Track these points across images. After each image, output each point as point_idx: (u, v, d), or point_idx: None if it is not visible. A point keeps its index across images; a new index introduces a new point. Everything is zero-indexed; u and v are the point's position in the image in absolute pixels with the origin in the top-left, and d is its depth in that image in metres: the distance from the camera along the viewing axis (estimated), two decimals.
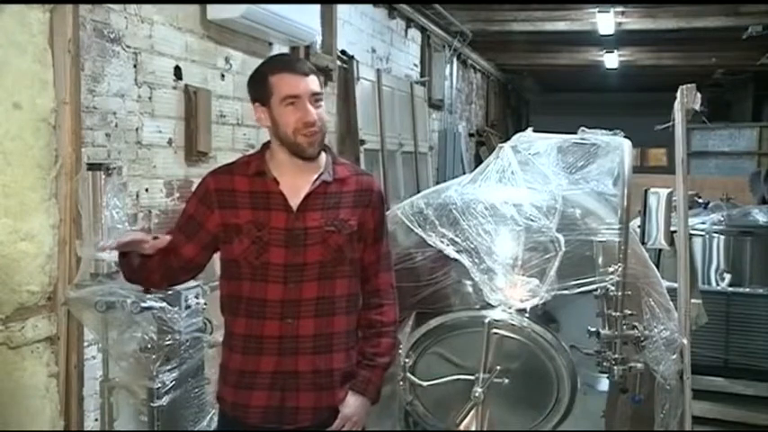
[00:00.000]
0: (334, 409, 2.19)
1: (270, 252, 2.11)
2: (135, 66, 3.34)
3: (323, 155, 2.20)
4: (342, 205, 2.17)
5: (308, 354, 2.13)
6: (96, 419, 3.01)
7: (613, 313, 2.55)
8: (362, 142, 6.02)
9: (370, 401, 2.26)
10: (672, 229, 2.74)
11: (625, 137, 3.01)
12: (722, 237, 5.10)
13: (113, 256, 2.82)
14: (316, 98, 2.11)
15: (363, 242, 2.22)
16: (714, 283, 5.06)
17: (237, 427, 2.20)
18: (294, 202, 2.13)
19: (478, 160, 9.87)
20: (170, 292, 2.81)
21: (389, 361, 2.32)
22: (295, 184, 2.14)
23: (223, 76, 4.05)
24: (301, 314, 2.12)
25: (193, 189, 3.74)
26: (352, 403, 2.21)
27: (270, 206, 2.13)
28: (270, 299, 2.11)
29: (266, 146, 2.22)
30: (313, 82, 2.11)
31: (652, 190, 2.70)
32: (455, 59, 9.70)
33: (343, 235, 2.15)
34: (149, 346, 2.78)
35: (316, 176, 2.16)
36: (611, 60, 11.66)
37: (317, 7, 4.66)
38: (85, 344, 2.98)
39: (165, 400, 2.82)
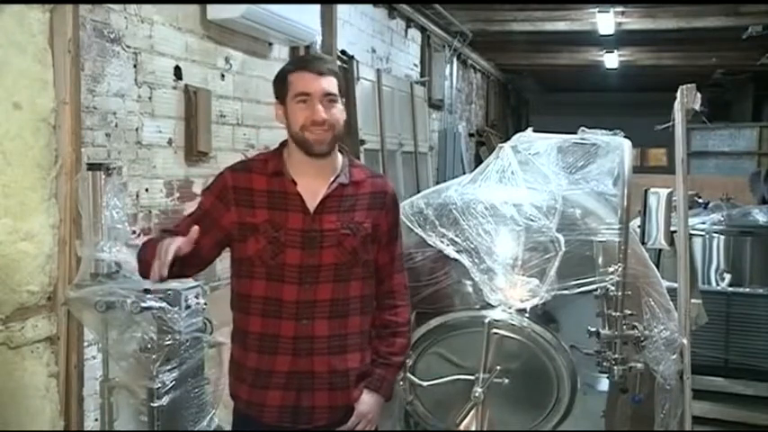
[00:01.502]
0: (349, 408, 2.20)
1: (286, 253, 2.11)
2: (135, 66, 3.34)
3: (339, 157, 2.21)
4: (357, 208, 2.18)
5: (323, 354, 2.14)
6: (96, 419, 3.01)
7: (613, 313, 2.54)
8: (362, 142, 6.03)
9: (385, 399, 2.29)
10: (672, 229, 2.74)
11: (625, 137, 3.00)
12: (722, 237, 5.10)
13: (113, 255, 2.84)
14: (329, 98, 2.11)
15: (377, 244, 2.23)
16: (714, 283, 5.05)
17: (252, 426, 2.20)
18: (311, 204, 2.13)
19: (478, 160, 9.86)
20: (170, 293, 2.81)
21: (404, 360, 2.36)
22: (312, 185, 2.15)
23: (223, 76, 4.05)
24: (316, 315, 2.13)
25: (194, 188, 3.78)
26: (367, 401, 2.22)
27: (287, 207, 2.13)
28: (285, 299, 2.12)
29: (284, 144, 2.22)
30: (328, 82, 2.12)
31: (652, 190, 2.70)
32: (455, 59, 9.70)
33: (358, 237, 2.16)
34: (149, 346, 2.78)
35: (332, 179, 2.16)
36: (611, 60, 11.65)
37: (316, 7, 4.66)
38: (85, 344, 2.98)
39: (165, 400, 2.82)
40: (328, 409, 2.16)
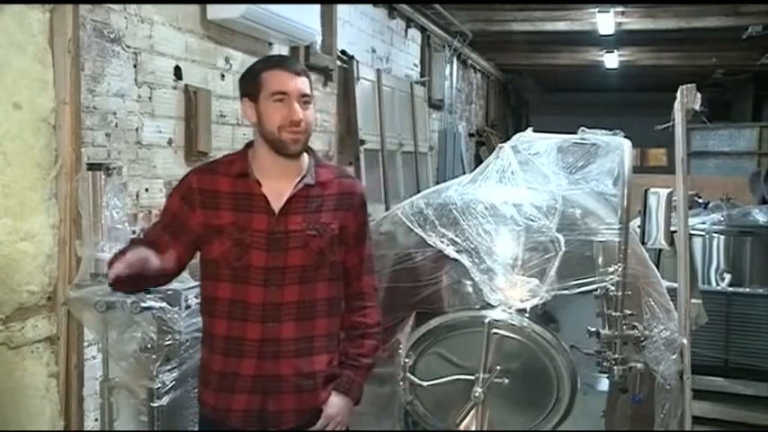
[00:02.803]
0: (317, 411, 2.19)
1: (251, 255, 2.10)
2: (135, 66, 3.34)
3: (305, 157, 2.20)
4: (323, 209, 2.17)
5: (290, 357, 2.12)
6: (96, 419, 3.01)
7: (613, 313, 2.54)
8: (362, 142, 6.02)
9: (354, 402, 2.27)
10: (672, 229, 2.74)
11: (625, 137, 3.00)
12: (722, 237, 5.10)
13: None
14: (304, 99, 2.11)
15: (345, 245, 2.21)
16: (714, 283, 5.05)
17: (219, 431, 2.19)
18: (276, 205, 2.12)
19: (478, 160, 9.86)
20: (170, 293, 2.81)
21: (373, 362, 2.33)
22: (277, 186, 2.13)
23: (223, 76, 4.05)
24: (282, 317, 2.11)
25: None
26: (335, 403, 2.21)
27: (252, 208, 2.12)
28: (251, 302, 2.11)
29: (249, 146, 2.22)
30: (304, 83, 2.11)
31: (652, 190, 2.70)
32: (455, 59, 9.70)
33: (325, 239, 2.14)
34: (149, 346, 2.77)
35: (298, 179, 2.15)
36: (611, 60, 11.65)
37: (316, 7, 4.66)
38: (85, 344, 2.98)
39: (165, 400, 2.82)
40: (295, 413, 2.15)
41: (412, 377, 2.75)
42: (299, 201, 2.14)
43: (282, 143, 2.10)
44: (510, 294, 2.67)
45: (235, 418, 2.14)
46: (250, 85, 2.15)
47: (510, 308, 2.67)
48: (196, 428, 2.97)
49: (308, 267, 2.13)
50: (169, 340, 2.78)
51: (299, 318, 2.13)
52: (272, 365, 2.12)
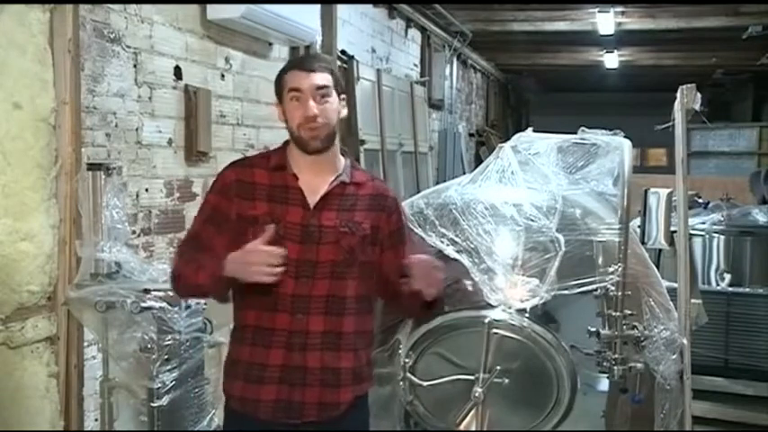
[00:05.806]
0: (338, 406, 2.18)
1: (284, 246, 2.11)
2: (135, 66, 3.34)
3: (342, 158, 2.23)
4: (357, 208, 2.20)
5: (316, 350, 2.14)
6: (96, 419, 3.02)
7: (613, 313, 2.55)
8: (362, 142, 6.02)
9: None
10: (672, 229, 2.74)
11: (625, 137, 3.00)
12: (722, 237, 5.10)
13: (113, 255, 2.84)
14: (321, 93, 2.13)
15: (380, 246, 2.23)
16: (714, 283, 5.05)
17: (247, 423, 2.20)
18: (312, 199, 2.15)
19: (478, 160, 9.86)
20: (170, 293, 2.81)
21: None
22: (313, 181, 2.17)
23: (223, 76, 4.05)
24: (311, 310, 2.13)
25: (194, 188, 3.78)
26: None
27: (288, 201, 2.15)
28: (282, 292, 2.12)
29: (288, 141, 2.25)
30: (320, 77, 2.13)
31: (652, 190, 2.70)
32: (455, 59, 9.69)
33: (356, 237, 2.17)
34: (149, 346, 2.78)
35: (333, 177, 2.18)
36: (611, 60, 11.65)
37: (316, 7, 4.67)
38: (85, 344, 2.98)
39: (165, 400, 2.82)
40: (317, 406, 2.15)
41: (412, 377, 2.75)
42: (334, 197, 2.17)
43: (302, 140, 2.14)
44: (510, 294, 2.67)
45: (264, 409, 2.15)
46: (277, 88, 2.20)
47: (510, 308, 2.67)
48: (196, 428, 2.98)
49: (339, 263, 2.15)
50: (169, 340, 2.79)
51: (328, 312, 2.15)
52: (300, 357, 2.13)
